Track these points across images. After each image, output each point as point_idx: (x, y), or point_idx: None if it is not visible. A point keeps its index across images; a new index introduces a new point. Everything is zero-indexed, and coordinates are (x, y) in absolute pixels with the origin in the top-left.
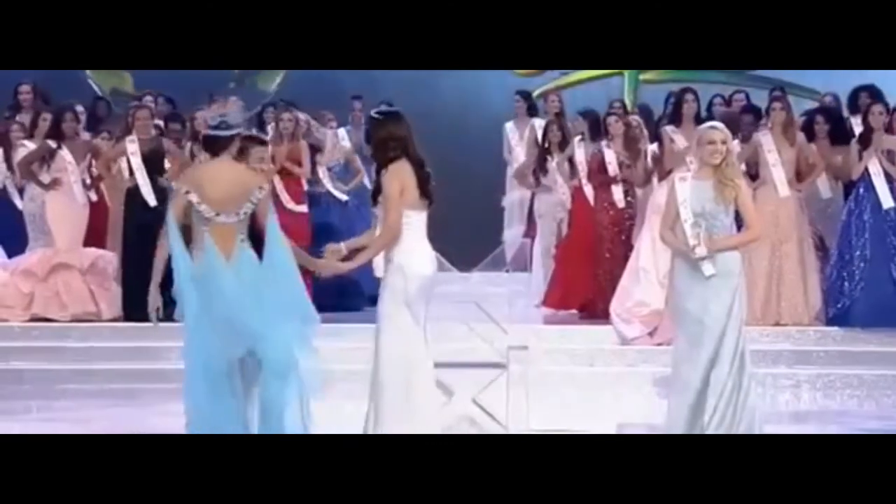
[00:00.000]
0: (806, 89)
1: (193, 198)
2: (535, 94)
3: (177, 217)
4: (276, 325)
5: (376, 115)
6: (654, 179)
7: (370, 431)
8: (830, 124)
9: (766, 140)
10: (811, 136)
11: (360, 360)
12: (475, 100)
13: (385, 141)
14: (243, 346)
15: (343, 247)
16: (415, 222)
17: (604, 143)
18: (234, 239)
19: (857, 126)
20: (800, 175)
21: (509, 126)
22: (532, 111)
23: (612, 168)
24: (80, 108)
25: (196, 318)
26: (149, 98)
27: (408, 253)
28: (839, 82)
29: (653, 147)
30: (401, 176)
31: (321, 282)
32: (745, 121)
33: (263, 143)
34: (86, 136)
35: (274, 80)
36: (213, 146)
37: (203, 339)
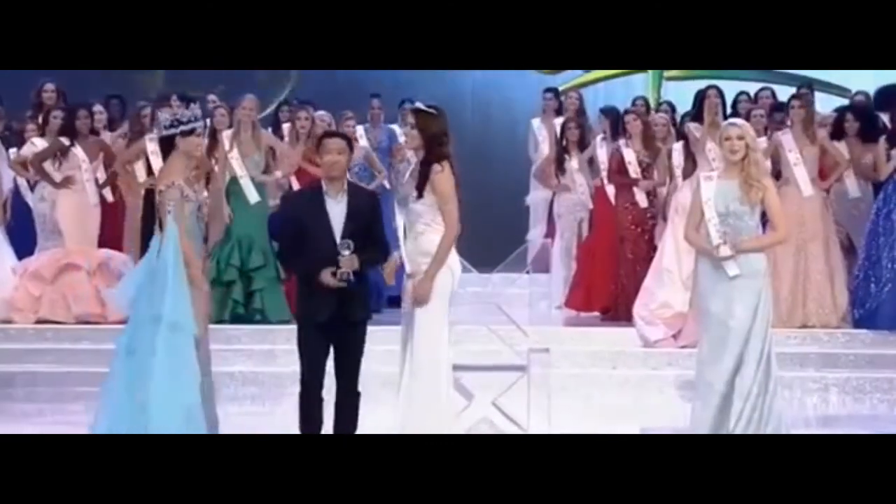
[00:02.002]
0: (835, 86)
1: None
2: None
3: None
4: (144, 322)
5: (431, 110)
6: (678, 179)
7: (401, 431)
8: (860, 122)
9: (786, 139)
10: (841, 134)
11: (380, 361)
12: (496, 96)
13: (439, 136)
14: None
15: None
16: None
17: (622, 141)
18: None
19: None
20: (824, 173)
21: (535, 123)
22: (560, 109)
23: (633, 168)
24: (98, 108)
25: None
26: (175, 97)
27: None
28: (869, 79)
29: (678, 145)
30: (453, 173)
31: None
32: (774, 119)
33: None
34: (106, 135)
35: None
36: (162, 147)
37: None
